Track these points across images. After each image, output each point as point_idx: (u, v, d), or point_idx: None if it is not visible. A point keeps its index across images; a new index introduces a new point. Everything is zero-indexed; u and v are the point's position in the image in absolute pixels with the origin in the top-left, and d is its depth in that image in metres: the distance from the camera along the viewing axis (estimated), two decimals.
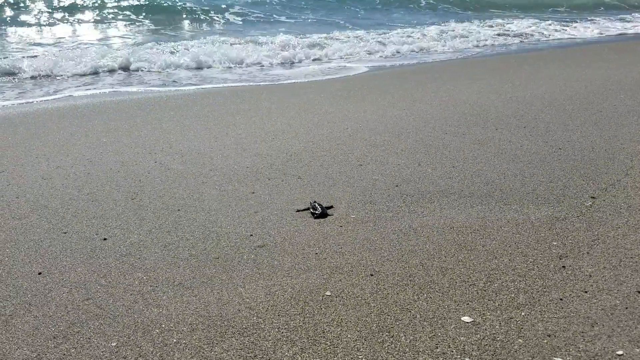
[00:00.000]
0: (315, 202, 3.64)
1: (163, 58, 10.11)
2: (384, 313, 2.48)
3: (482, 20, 17.28)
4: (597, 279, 2.71)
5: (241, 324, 2.42)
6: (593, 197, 3.72)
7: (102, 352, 2.26)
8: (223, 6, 16.62)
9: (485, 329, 2.33)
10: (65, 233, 3.39)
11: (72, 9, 15.21)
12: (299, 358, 2.19)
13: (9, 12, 12.43)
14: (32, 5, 14.27)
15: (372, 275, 2.81)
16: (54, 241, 3.28)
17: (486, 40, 13.78)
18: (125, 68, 9.66)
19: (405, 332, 2.33)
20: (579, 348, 2.20)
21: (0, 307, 2.60)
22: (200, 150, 5.00)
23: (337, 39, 13.24)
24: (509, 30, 15.58)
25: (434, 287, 2.68)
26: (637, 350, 2.18)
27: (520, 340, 2.26)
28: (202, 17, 15.97)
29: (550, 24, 17.04)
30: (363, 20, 16.34)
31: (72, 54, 10.18)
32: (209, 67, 10.12)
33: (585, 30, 16.48)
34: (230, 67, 10.19)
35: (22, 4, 13.69)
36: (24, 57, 9.89)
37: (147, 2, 16.64)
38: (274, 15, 15.85)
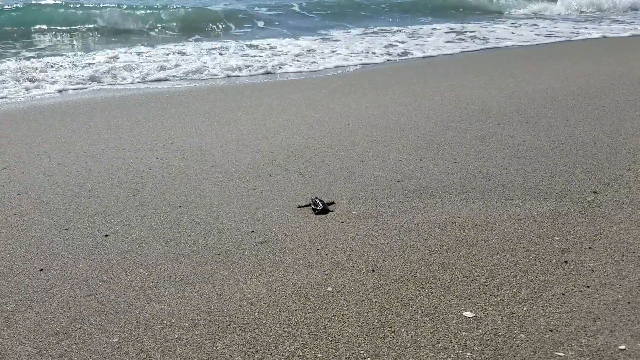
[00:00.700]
0: (316, 198, 3.63)
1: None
2: (385, 308, 2.47)
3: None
4: (599, 274, 2.70)
5: (242, 319, 2.42)
6: (595, 192, 3.71)
7: (104, 348, 2.26)
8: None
9: (487, 324, 2.33)
10: (66, 229, 3.40)
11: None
12: (300, 353, 2.19)
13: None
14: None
15: (373, 270, 2.81)
16: (55, 237, 3.29)
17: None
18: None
19: (407, 328, 2.33)
20: (581, 343, 2.20)
21: (1, 304, 2.61)
22: (202, 146, 5.00)
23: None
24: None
25: (435, 282, 2.68)
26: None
27: (522, 335, 2.26)
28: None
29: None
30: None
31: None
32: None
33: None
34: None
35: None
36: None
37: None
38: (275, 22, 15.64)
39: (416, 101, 6.49)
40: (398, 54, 10.66)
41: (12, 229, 3.42)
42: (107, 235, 3.30)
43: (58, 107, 6.71)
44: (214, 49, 11.10)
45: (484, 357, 2.13)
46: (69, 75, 8.37)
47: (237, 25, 14.63)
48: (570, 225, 3.25)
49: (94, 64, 9.31)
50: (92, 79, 8.34)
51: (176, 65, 9.24)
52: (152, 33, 13.75)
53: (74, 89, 7.84)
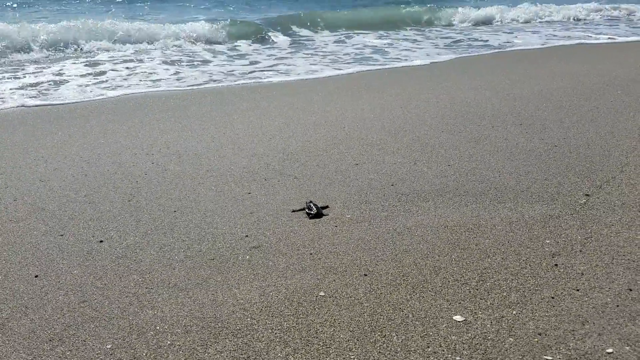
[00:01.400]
0: (310, 202, 3.66)
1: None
2: (376, 313, 2.50)
3: None
4: (589, 277, 2.72)
5: (235, 325, 2.45)
6: (587, 195, 3.73)
7: (97, 354, 2.28)
8: None
9: (477, 328, 2.36)
10: (62, 235, 3.42)
11: None
12: (292, 359, 2.22)
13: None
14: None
15: (366, 275, 2.83)
16: (50, 244, 3.31)
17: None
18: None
19: (398, 332, 2.35)
20: (569, 346, 2.22)
21: None
22: (198, 150, 5.02)
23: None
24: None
25: (426, 286, 2.71)
26: (627, 348, 2.20)
27: (511, 339, 2.28)
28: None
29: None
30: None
31: None
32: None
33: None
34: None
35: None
36: None
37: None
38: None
39: (411, 103, 6.51)
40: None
41: (7, 235, 3.44)
42: (101, 241, 3.32)
43: (54, 111, 6.73)
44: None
45: None
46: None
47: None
48: (561, 228, 3.27)
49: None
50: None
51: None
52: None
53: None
